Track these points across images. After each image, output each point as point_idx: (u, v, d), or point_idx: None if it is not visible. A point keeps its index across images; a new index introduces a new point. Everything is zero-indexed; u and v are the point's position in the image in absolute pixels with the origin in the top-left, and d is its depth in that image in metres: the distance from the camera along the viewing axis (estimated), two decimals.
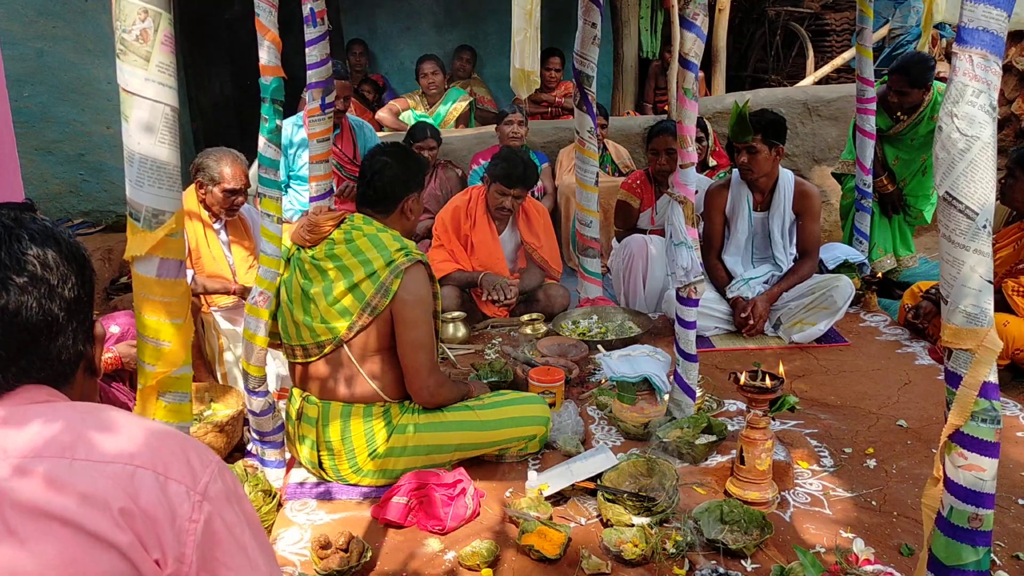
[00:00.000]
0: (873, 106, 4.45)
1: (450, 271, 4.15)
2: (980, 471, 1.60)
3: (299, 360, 2.67)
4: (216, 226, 3.76)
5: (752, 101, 5.67)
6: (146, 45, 1.48)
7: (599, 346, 3.55)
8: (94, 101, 5.93)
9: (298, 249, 2.68)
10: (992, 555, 2.13)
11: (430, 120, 6.00)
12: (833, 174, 5.14)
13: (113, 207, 6.10)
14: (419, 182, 2.76)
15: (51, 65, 5.87)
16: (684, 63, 2.73)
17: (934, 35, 6.57)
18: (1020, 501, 2.47)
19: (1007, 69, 6.65)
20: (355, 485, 2.64)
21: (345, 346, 2.56)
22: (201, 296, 3.70)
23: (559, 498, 2.53)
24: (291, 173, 4.76)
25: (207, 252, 3.71)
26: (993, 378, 1.58)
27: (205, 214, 3.71)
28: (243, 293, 3.62)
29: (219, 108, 8.06)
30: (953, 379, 1.60)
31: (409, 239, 2.68)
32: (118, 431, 0.99)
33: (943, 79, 4.71)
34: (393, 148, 2.76)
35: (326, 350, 2.58)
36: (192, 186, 3.67)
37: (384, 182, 2.65)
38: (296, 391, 2.72)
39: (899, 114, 4.55)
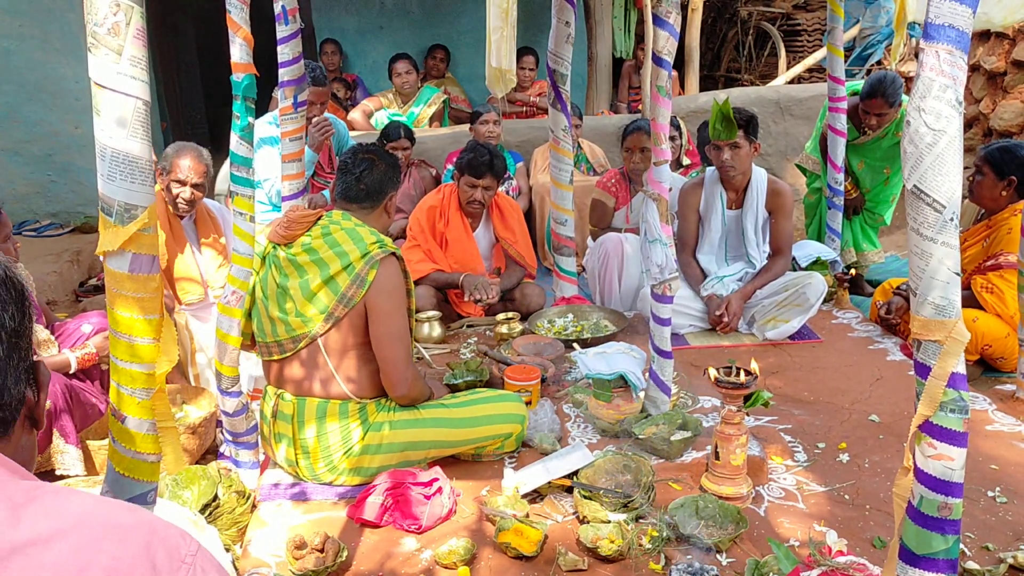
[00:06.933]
0: (844, 105, 4.49)
1: (428, 272, 4.10)
2: (949, 460, 1.63)
3: (275, 358, 2.65)
4: (185, 225, 3.70)
5: None
6: (118, 38, 1.47)
7: (575, 344, 3.56)
8: (62, 100, 5.86)
9: (274, 247, 2.67)
10: (962, 546, 2.17)
11: (403, 119, 5.98)
12: (797, 165, 5.18)
13: (81, 208, 6.01)
14: (398, 181, 2.83)
15: (18, 64, 5.78)
16: (657, 60, 2.75)
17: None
18: (989, 493, 2.51)
19: (975, 69, 6.76)
20: (329, 484, 2.63)
21: (320, 342, 2.55)
22: (173, 295, 3.64)
23: (536, 496, 2.53)
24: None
25: (175, 251, 3.65)
26: (961, 369, 1.61)
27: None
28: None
29: (189, 108, 8.00)
30: (922, 370, 1.63)
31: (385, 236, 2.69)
32: (66, 524, 0.76)
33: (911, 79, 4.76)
34: (375, 148, 2.83)
35: (301, 345, 2.57)
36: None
37: (373, 179, 2.70)
38: (271, 389, 2.70)
39: (865, 128, 4.60)
